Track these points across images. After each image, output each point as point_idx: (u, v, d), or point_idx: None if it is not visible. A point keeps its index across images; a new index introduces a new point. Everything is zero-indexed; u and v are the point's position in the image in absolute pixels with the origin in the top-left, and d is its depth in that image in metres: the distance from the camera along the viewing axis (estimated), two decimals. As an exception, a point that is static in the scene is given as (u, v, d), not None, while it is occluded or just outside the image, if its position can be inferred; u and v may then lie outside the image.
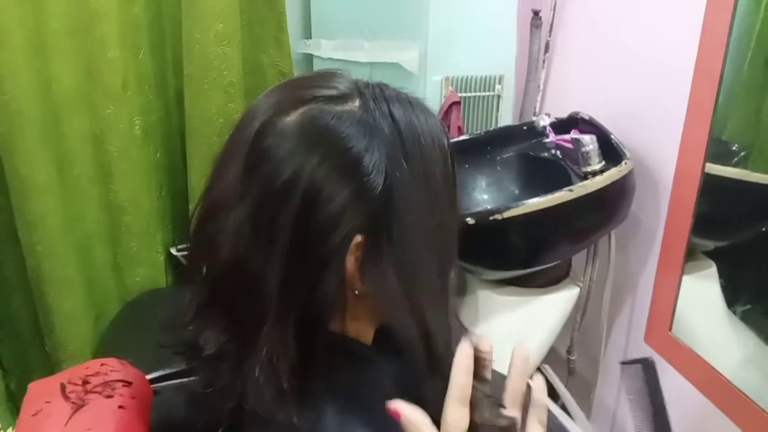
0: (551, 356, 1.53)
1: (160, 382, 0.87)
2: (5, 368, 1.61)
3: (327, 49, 1.63)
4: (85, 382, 0.60)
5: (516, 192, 1.51)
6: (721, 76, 1.12)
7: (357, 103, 0.54)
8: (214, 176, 0.56)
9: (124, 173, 1.50)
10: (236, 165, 0.53)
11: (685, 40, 1.18)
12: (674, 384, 1.32)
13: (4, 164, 1.41)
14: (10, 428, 1.69)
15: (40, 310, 1.57)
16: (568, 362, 1.54)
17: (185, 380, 1.18)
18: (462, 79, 1.61)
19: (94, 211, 1.53)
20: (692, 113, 1.19)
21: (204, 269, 0.57)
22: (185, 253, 1.57)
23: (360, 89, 0.55)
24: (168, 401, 0.74)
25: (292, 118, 0.52)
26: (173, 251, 1.58)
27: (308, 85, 0.55)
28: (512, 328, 1.43)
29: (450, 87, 1.61)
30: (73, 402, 0.58)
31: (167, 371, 1.11)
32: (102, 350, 1.48)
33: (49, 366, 1.65)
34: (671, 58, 1.25)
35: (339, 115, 0.52)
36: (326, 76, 0.57)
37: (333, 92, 0.54)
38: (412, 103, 0.55)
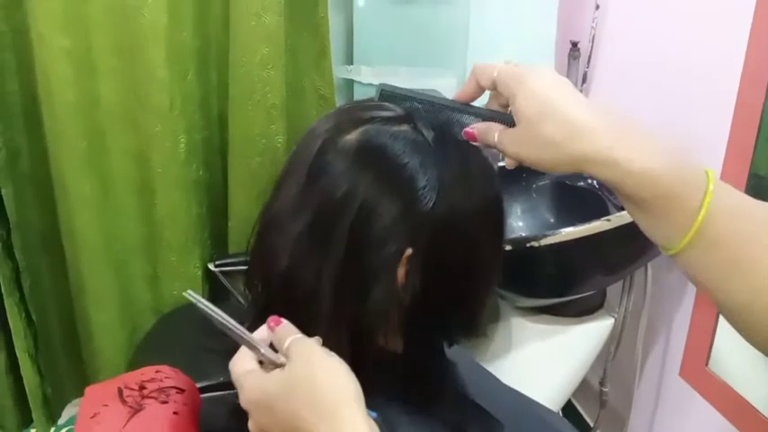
0: (583, 388, 1.51)
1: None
2: (42, 375, 1.65)
3: (367, 75, 1.67)
4: (142, 388, 0.62)
5: (551, 220, 1.51)
6: (763, 111, 1.12)
7: (411, 124, 0.57)
8: (275, 192, 0.59)
9: (166, 189, 1.54)
10: (297, 180, 0.56)
11: (727, 75, 1.19)
12: (708, 421, 1.30)
13: (53, 176, 1.47)
14: (44, 436, 1.73)
15: (78, 321, 1.61)
16: (601, 393, 1.52)
17: (222, 393, 1.20)
18: (499, 107, 1.63)
19: (135, 225, 1.57)
20: (733, 148, 1.19)
21: (262, 279, 0.59)
22: (223, 269, 1.61)
23: (413, 112, 0.58)
24: (208, 412, 0.76)
25: (352, 136, 0.56)
26: (210, 267, 1.61)
27: (367, 108, 0.59)
28: (544, 356, 1.43)
29: (486, 115, 1.64)
30: (130, 407, 0.60)
31: (203, 383, 1.13)
32: (137, 361, 1.51)
33: (84, 375, 1.69)
34: (712, 93, 1.26)
35: (395, 134, 0.55)
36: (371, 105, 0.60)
37: (389, 113, 0.58)
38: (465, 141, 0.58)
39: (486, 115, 0.57)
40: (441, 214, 0.54)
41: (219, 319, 0.50)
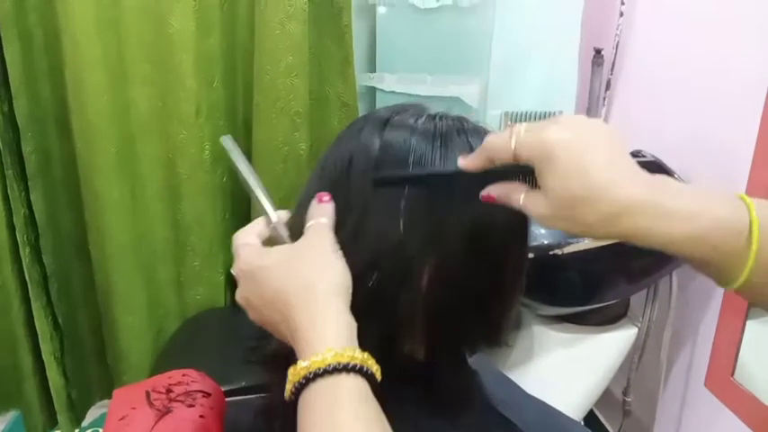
0: (606, 397, 1.50)
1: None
2: (68, 378, 1.67)
3: (390, 83, 1.67)
4: (169, 391, 0.63)
5: (574, 228, 1.50)
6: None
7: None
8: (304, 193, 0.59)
9: (192, 195, 1.56)
10: (321, 183, 0.56)
11: (753, 81, 1.18)
12: (733, 431, 1.28)
13: (82, 181, 1.50)
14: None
15: (105, 324, 1.64)
16: (624, 403, 1.51)
17: (247, 397, 1.21)
18: (522, 114, 1.63)
19: (161, 229, 1.60)
20: (760, 155, 1.18)
21: None
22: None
23: (435, 116, 0.57)
24: (233, 416, 0.76)
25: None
26: (233, 272, 1.63)
27: (390, 114, 0.58)
28: (566, 365, 1.42)
29: (509, 122, 1.63)
30: (158, 410, 0.61)
31: (227, 387, 1.14)
32: (161, 365, 1.53)
33: (109, 378, 1.71)
34: (737, 100, 1.25)
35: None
36: (406, 107, 0.59)
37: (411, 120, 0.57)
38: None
39: (502, 173, 0.49)
40: (465, 222, 0.54)
41: (246, 177, 0.49)
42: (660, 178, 0.45)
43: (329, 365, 0.41)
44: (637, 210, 0.44)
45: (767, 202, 0.45)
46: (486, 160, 0.48)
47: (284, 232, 0.50)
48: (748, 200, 0.44)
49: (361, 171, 0.53)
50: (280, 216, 0.52)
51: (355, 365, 0.42)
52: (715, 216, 0.44)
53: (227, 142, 0.51)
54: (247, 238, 0.51)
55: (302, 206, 0.58)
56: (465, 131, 0.56)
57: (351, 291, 0.47)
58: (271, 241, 0.52)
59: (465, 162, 0.49)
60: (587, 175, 0.44)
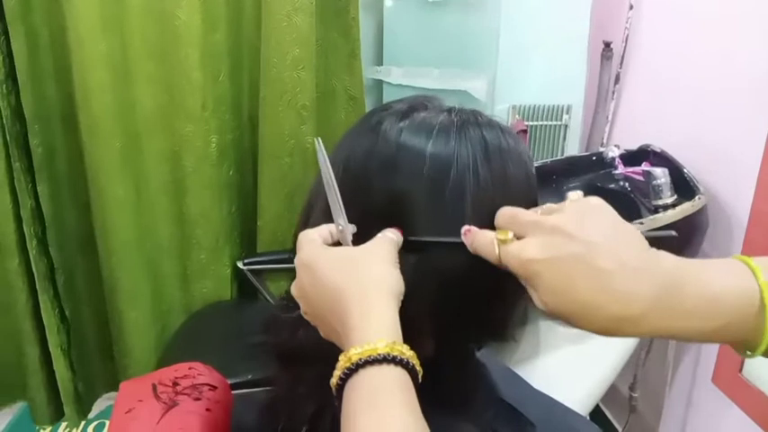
0: (612, 393, 1.49)
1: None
2: (74, 371, 1.68)
3: (397, 76, 1.67)
4: (175, 384, 0.63)
5: (582, 223, 1.49)
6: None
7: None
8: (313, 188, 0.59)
9: (198, 189, 1.56)
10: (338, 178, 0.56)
11: (762, 76, 1.16)
12: (741, 429, 1.28)
13: (88, 176, 1.50)
14: (74, 430, 1.77)
15: (111, 318, 1.64)
16: (630, 399, 1.50)
17: (252, 390, 1.21)
18: (529, 108, 1.62)
19: (167, 224, 1.60)
20: (771, 150, 1.17)
21: None
22: (252, 267, 1.62)
23: (450, 110, 0.57)
24: (238, 409, 0.76)
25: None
26: (239, 265, 1.63)
27: (405, 103, 0.58)
28: (572, 360, 1.41)
29: (516, 116, 1.62)
30: (164, 403, 0.61)
31: (233, 380, 1.15)
32: (167, 358, 1.53)
33: (115, 371, 1.72)
34: (748, 93, 1.23)
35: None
36: (421, 100, 0.59)
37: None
38: (503, 130, 0.57)
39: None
40: (478, 218, 0.53)
41: (329, 179, 0.51)
42: (664, 271, 0.43)
43: (380, 354, 0.43)
44: (637, 316, 0.43)
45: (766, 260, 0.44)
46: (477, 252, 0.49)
47: (349, 239, 0.52)
48: (753, 264, 0.44)
49: (379, 174, 0.53)
50: (349, 226, 0.53)
51: (403, 359, 0.43)
52: (729, 305, 0.43)
53: (319, 144, 0.53)
54: (314, 235, 0.52)
55: (308, 202, 0.57)
56: (479, 125, 0.56)
57: (401, 299, 0.48)
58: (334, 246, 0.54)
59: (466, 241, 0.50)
60: (576, 295, 0.43)
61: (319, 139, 0.53)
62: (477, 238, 0.48)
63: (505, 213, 0.49)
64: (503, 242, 0.46)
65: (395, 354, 0.43)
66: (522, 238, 0.46)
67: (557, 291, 0.44)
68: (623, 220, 0.46)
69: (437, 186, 0.52)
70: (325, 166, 0.52)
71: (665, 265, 0.44)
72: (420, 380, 0.45)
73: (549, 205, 0.48)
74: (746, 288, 0.43)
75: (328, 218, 0.54)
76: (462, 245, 0.50)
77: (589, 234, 0.44)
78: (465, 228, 0.50)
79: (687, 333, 0.44)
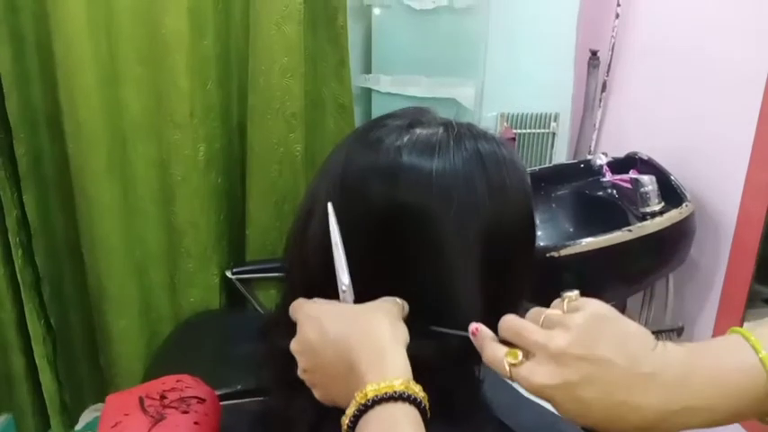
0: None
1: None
2: (61, 382, 1.66)
3: (386, 84, 1.67)
4: (163, 397, 0.62)
5: (571, 230, 1.50)
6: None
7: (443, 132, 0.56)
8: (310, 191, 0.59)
9: (186, 197, 1.55)
10: (329, 184, 0.56)
11: (750, 81, 1.18)
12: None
13: (74, 182, 1.48)
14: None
15: (98, 327, 1.62)
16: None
17: (241, 401, 1.20)
18: (517, 116, 1.63)
19: (155, 232, 1.58)
20: (757, 156, 1.18)
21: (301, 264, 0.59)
22: (240, 276, 1.61)
23: (446, 125, 0.57)
24: (227, 421, 0.75)
25: None
26: (228, 274, 1.62)
27: (402, 117, 0.58)
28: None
29: (505, 123, 1.63)
30: (151, 416, 0.60)
31: (221, 391, 1.14)
32: (155, 368, 1.51)
33: (102, 381, 1.70)
34: (733, 101, 1.25)
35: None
36: (416, 114, 0.59)
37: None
38: (498, 142, 0.57)
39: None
40: (482, 232, 0.54)
41: (335, 239, 0.52)
42: (673, 371, 0.44)
43: (395, 392, 0.44)
44: (655, 423, 0.44)
45: (764, 329, 0.45)
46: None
47: (351, 300, 0.53)
48: (752, 338, 0.44)
49: (381, 192, 0.53)
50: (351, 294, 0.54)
51: (417, 398, 0.45)
52: (735, 385, 0.44)
53: (330, 210, 0.53)
54: (313, 299, 0.54)
55: (304, 211, 0.57)
56: (475, 138, 0.57)
57: (406, 335, 0.50)
58: None
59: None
60: (594, 414, 0.44)
61: (330, 204, 0.53)
62: (486, 352, 0.48)
63: (509, 328, 0.47)
64: (513, 365, 0.46)
65: (410, 393, 0.45)
66: (530, 355, 0.46)
67: (573, 413, 0.44)
68: (628, 321, 0.46)
69: (443, 204, 0.52)
70: (334, 229, 0.52)
71: (672, 361, 0.44)
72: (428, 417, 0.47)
73: (549, 313, 0.47)
74: (753, 365, 0.43)
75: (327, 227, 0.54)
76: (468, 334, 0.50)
77: (597, 351, 0.44)
78: (473, 326, 0.50)
79: (707, 422, 0.44)
